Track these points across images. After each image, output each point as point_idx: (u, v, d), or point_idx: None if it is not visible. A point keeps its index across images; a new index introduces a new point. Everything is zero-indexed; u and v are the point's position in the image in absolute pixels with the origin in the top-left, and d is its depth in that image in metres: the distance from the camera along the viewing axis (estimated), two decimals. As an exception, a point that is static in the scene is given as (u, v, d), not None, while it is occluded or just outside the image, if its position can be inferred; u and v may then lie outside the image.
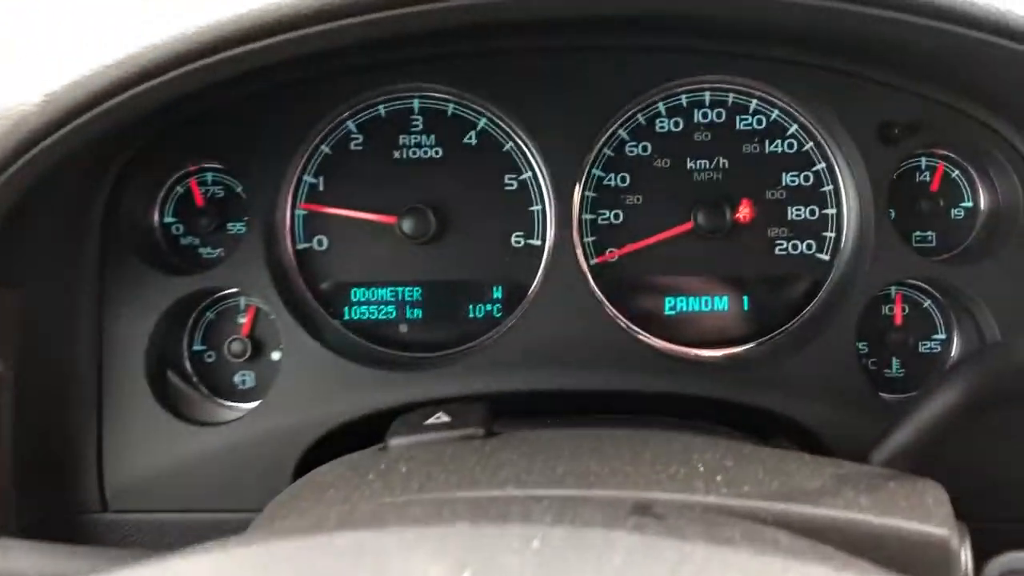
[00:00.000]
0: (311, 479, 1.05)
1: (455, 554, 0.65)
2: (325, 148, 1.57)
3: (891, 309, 1.58)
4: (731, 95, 1.57)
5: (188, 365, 1.59)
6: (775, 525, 0.85)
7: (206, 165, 1.58)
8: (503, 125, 1.56)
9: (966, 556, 0.86)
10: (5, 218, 1.11)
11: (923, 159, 1.57)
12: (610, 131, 1.56)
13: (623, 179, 1.58)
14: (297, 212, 1.59)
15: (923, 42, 0.88)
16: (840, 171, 1.55)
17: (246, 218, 1.53)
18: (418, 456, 1.02)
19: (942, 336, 1.59)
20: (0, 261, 1.23)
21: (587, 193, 1.57)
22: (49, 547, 0.98)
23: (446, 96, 1.57)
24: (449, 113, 1.58)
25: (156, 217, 1.59)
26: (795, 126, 1.56)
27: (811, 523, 0.86)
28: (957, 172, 1.57)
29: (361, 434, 1.38)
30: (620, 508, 0.80)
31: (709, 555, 0.66)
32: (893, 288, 1.57)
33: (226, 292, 1.58)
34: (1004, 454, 1.40)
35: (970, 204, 1.57)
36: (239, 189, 1.56)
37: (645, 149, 1.58)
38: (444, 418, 1.12)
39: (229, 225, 1.58)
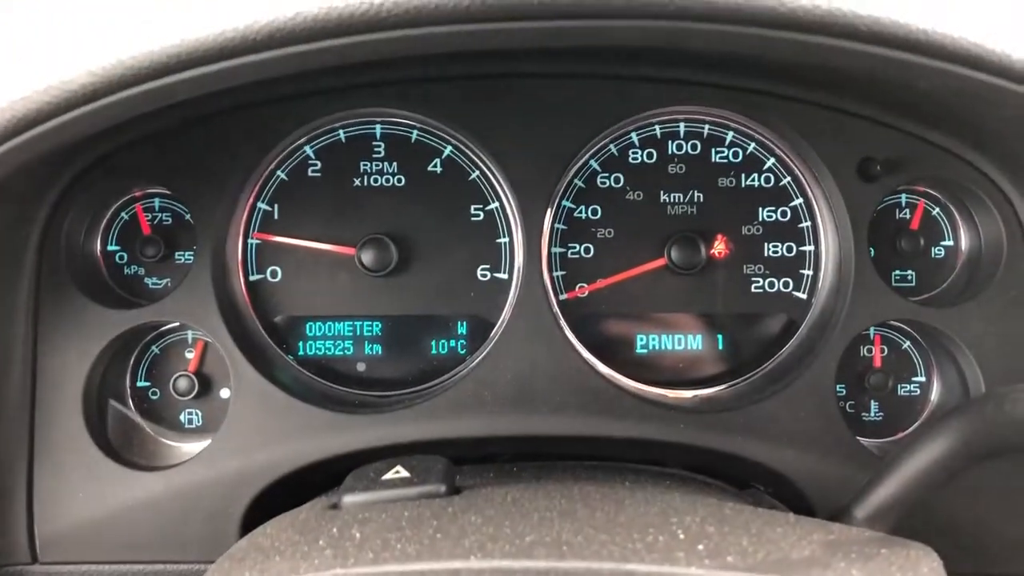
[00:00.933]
0: (257, 541, 0.97)
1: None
2: (281, 174, 1.50)
3: (870, 350, 1.53)
4: (707, 127, 1.51)
5: (131, 403, 1.51)
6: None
7: (153, 190, 1.50)
8: (469, 153, 1.49)
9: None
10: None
11: (904, 196, 1.53)
12: (581, 161, 1.50)
13: (594, 211, 1.52)
14: (250, 241, 1.51)
15: (923, 82, 0.82)
16: (819, 207, 1.50)
17: (195, 247, 1.43)
18: (374, 518, 0.95)
19: (921, 379, 1.54)
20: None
21: (557, 225, 1.51)
22: None
23: (410, 122, 1.50)
24: (413, 139, 1.51)
25: (98, 245, 1.50)
26: (772, 160, 1.51)
27: (800, 599, 0.80)
28: (938, 210, 1.53)
29: (316, 477, 1.31)
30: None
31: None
32: (872, 329, 1.52)
33: (172, 326, 1.49)
34: (994, 509, 1.34)
35: (951, 243, 1.53)
36: (188, 216, 1.48)
37: (617, 181, 1.52)
38: (403, 472, 1.05)
39: (177, 254, 1.50)
